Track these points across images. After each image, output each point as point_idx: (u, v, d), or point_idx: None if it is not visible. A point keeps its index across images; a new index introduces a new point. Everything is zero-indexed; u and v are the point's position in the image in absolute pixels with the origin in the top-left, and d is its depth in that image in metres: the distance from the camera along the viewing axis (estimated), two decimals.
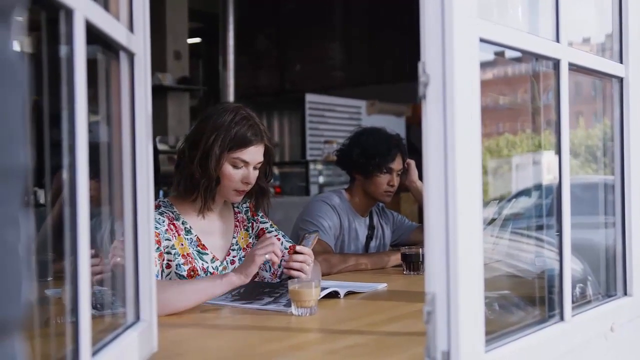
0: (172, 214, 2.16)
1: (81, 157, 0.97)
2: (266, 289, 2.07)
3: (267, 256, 1.93)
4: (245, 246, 2.31)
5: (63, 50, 0.97)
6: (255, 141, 2.14)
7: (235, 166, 2.14)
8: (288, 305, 1.85)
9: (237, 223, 2.32)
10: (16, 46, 0.56)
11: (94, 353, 1.03)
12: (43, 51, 0.98)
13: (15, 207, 0.55)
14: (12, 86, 0.53)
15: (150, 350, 1.34)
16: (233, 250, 2.28)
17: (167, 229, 2.09)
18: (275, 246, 1.96)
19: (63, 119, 0.96)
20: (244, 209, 2.37)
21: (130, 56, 1.30)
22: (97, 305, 1.31)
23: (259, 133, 2.15)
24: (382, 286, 2.29)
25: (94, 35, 1.07)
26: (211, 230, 2.24)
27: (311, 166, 7.26)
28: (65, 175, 0.96)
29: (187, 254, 2.13)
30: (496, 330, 1.29)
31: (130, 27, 1.30)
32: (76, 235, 0.96)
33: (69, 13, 0.96)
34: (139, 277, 1.32)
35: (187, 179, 2.15)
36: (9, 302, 0.53)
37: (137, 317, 1.32)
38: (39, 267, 1.25)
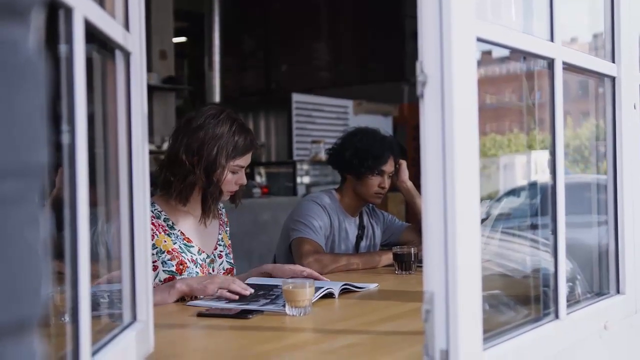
0: (153, 212, 2.19)
1: (81, 156, 0.96)
2: (260, 291, 2.06)
3: (219, 292, 1.97)
4: (227, 244, 2.40)
5: (62, 48, 0.96)
6: (252, 148, 2.26)
7: (234, 172, 2.23)
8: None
9: (221, 222, 2.40)
10: (35, 45, 0.55)
11: (93, 353, 1.03)
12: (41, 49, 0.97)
13: (35, 206, 0.54)
14: (34, 85, 0.53)
15: (147, 350, 1.34)
16: (220, 245, 2.35)
17: None
18: (232, 287, 1.98)
19: (63, 118, 0.95)
20: (223, 212, 2.45)
21: (127, 55, 1.29)
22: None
23: (254, 139, 2.27)
24: (373, 286, 2.29)
25: (90, 34, 1.06)
26: (196, 227, 2.29)
27: (298, 166, 7.24)
28: (65, 174, 0.96)
29: (172, 249, 2.17)
30: (493, 329, 1.30)
31: (126, 26, 1.29)
32: (76, 237, 0.95)
33: (69, 12, 0.95)
34: (135, 278, 1.31)
35: (188, 187, 2.19)
36: (29, 301, 0.53)
37: (134, 318, 1.31)
38: None
